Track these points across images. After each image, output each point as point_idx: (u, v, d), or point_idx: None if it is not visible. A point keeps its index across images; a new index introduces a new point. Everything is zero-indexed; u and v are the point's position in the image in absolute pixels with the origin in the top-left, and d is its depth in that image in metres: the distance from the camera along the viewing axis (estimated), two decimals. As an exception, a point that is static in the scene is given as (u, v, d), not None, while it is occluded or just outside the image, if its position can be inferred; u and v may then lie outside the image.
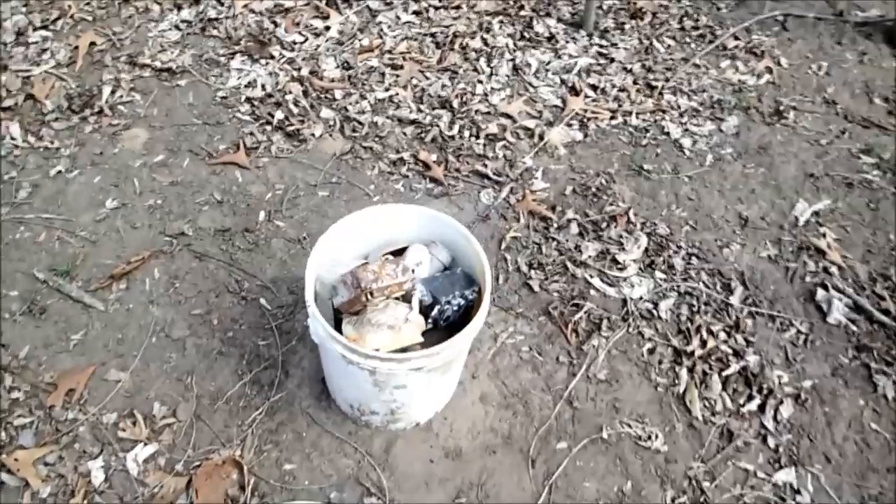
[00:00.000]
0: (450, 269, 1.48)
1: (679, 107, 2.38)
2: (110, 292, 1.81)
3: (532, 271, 1.91)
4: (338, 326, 1.41)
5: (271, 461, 1.55)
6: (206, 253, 1.89)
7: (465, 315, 1.43)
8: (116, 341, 1.72)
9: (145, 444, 1.55)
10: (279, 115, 2.24)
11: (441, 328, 1.42)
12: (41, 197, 1.99)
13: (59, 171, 2.06)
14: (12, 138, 2.13)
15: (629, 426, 1.66)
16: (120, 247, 1.90)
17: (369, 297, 1.28)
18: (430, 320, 1.36)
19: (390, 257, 1.44)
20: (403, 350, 1.30)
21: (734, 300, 1.88)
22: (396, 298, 1.36)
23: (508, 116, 2.32)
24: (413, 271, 1.45)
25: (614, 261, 1.95)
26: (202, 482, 1.51)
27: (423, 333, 1.36)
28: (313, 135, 2.21)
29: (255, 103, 2.28)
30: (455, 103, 2.30)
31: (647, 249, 1.98)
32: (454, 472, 1.56)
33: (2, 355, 1.67)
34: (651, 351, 1.79)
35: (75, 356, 1.69)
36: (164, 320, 1.76)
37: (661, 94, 2.41)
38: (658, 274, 1.92)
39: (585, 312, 1.84)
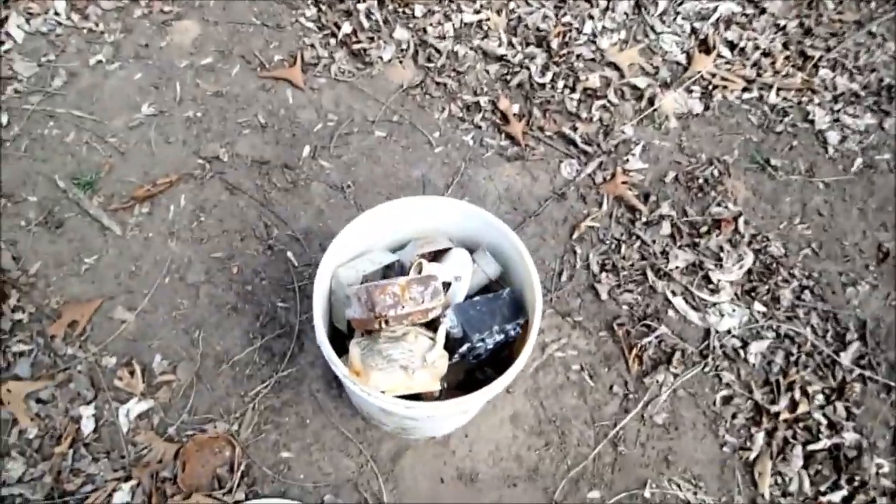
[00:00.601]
0: (493, 291, 1.20)
1: (835, 87, 1.89)
2: (131, 215, 1.64)
3: (603, 273, 1.61)
4: (351, 332, 1.18)
5: (268, 445, 1.40)
6: (239, 186, 1.68)
7: (502, 348, 1.17)
8: (129, 274, 1.56)
9: (140, 399, 1.43)
10: (346, 27, 1.91)
11: (470, 362, 1.17)
12: (76, 89, 1.79)
13: (100, 61, 1.84)
14: (56, 14, 1.92)
15: (678, 487, 1.40)
16: (150, 162, 1.70)
17: (384, 324, 1.04)
18: (456, 355, 1.11)
19: (424, 263, 1.17)
20: (416, 395, 1.07)
21: (845, 357, 1.52)
22: (419, 325, 1.11)
23: (616, 68, 1.91)
24: (446, 290, 1.18)
25: (706, 279, 1.61)
26: (192, 454, 1.38)
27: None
28: (381, 58, 1.88)
29: (323, 7, 1.96)
30: (554, 42, 1.91)
31: (750, 271, 1.62)
32: (465, 497, 1.37)
33: (12, 269, 1.55)
34: (726, 400, 1.49)
35: (84, 283, 1.55)
36: (182, 259, 1.59)
37: (815, 67, 1.92)
38: (757, 306, 1.58)
39: (657, 337, 1.54)
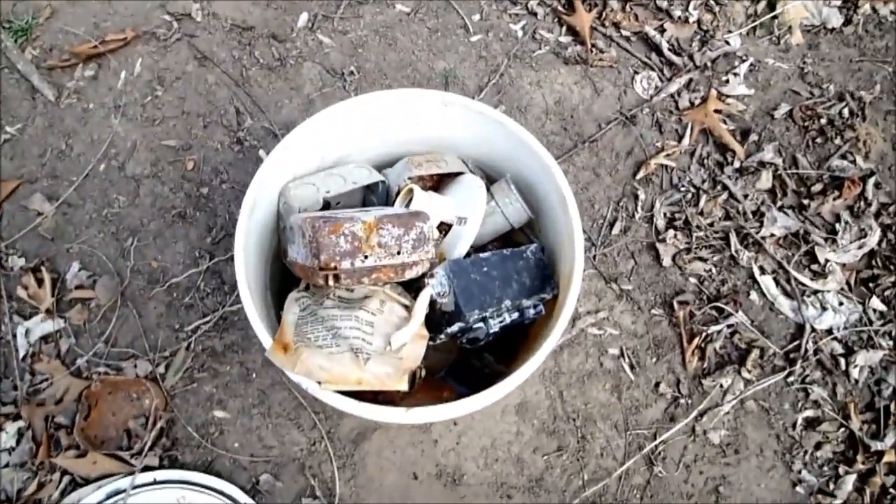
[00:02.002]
0: (514, 245, 0.80)
1: None
2: (70, 78, 1.27)
3: (670, 231, 1.19)
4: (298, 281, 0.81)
5: (199, 398, 1.08)
6: (212, 55, 1.29)
7: (512, 331, 0.79)
8: (56, 154, 1.21)
9: (46, 318, 1.11)
10: None
11: (462, 345, 0.79)
12: None
13: None
14: None
15: (727, 530, 1.05)
16: (102, 11, 1.32)
17: (333, 281, 0.67)
18: (441, 336, 0.74)
19: (417, 191, 0.78)
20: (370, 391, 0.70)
21: None
22: (390, 285, 0.73)
23: (731, -47, 1.41)
24: (443, 235, 0.80)
25: (810, 256, 1.18)
26: (101, 397, 1.07)
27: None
28: None
29: None
30: None
31: (873, 253, 1.19)
32: (441, 501, 1.05)
33: (-86, 127, 1.22)
34: (811, 424, 1.10)
35: (2, 158, 1.21)
36: (125, 143, 1.22)
37: None
38: (875, 302, 1.16)
39: (729, 327, 1.14)
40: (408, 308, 0.72)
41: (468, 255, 0.78)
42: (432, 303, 0.72)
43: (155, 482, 1.02)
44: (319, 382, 0.68)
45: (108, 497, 1.01)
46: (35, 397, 1.07)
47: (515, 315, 0.76)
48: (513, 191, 0.82)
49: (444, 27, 1.34)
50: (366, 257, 0.65)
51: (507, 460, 1.07)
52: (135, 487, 1.01)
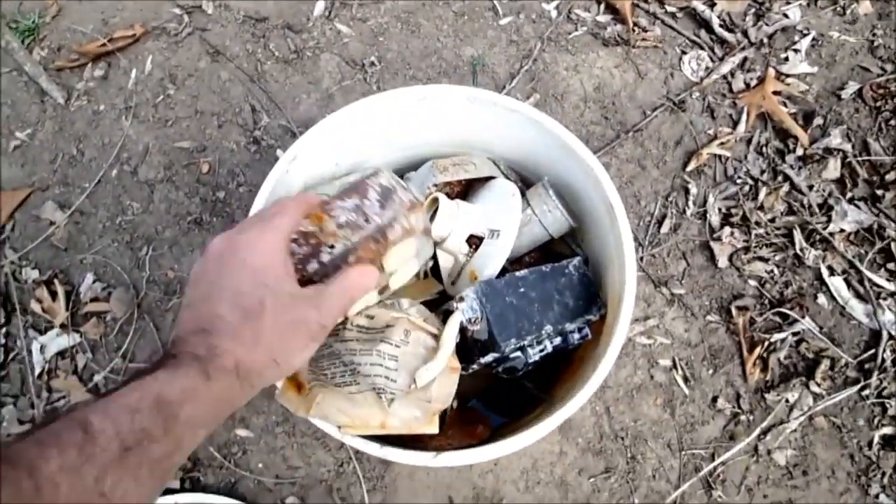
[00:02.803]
0: (553, 259, 0.71)
1: None
2: (79, 78, 1.21)
3: (727, 228, 1.08)
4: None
5: (220, 417, 1.02)
6: (225, 50, 1.21)
7: (555, 357, 0.70)
8: (67, 160, 1.16)
9: (61, 332, 1.06)
10: None
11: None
12: None
13: None
14: None
15: (795, 560, 0.95)
16: (110, 7, 1.25)
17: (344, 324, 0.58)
18: (475, 365, 0.65)
19: (442, 199, 0.69)
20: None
21: None
22: (411, 301, 0.64)
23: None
24: (474, 249, 0.71)
25: (887, 254, 1.06)
26: (119, 416, 1.02)
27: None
28: None
29: None
30: None
31: (959, 250, 1.06)
32: (479, 528, 0.97)
33: (-76, 136, 1.18)
34: (890, 442, 0.99)
35: (12, 164, 1.16)
36: (137, 146, 1.16)
37: None
38: (963, 305, 1.03)
39: (795, 335, 1.03)
40: (436, 337, 0.64)
41: (502, 272, 0.69)
42: (462, 330, 0.63)
43: (175, 507, 0.97)
44: (339, 427, 0.61)
45: (127, 524, 0.96)
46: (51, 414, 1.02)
47: (558, 341, 0.66)
48: (552, 197, 0.72)
49: (471, 10, 1.23)
50: (332, 247, 0.54)
51: (549, 483, 0.99)
52: (154, 514, 0.96)
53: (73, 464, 0.32)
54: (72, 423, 0.34)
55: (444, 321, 0.65)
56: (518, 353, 0.64)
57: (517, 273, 0.66)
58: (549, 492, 0.98)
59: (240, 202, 1.13)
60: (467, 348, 0.64)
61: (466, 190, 0.79)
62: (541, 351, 0.65)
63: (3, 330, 1.08)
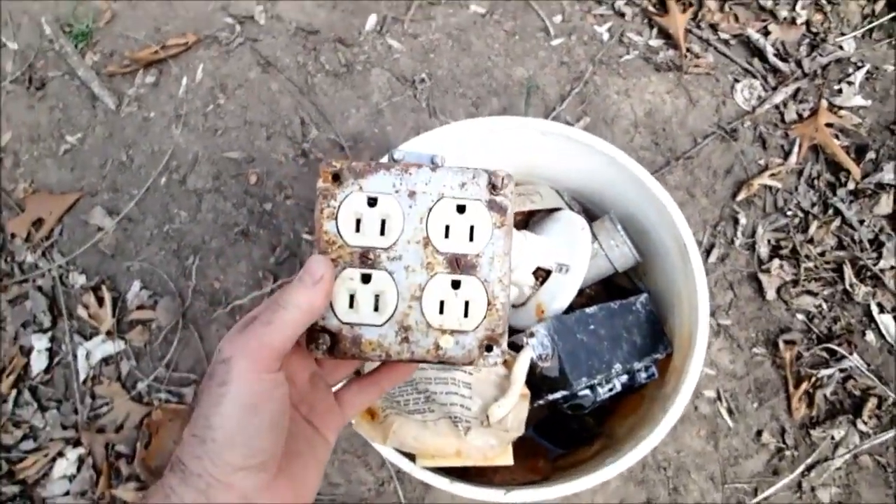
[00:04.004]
0: (618, 295, 0.70)
1: None
2: (130, 84, 1.22)
3: (776, 260, 1.07)
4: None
5: (262, 430, 1.02)
6: (276, 61, 1.21)
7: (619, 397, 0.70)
8: (117, 166, 1.17)
9: (106, 339, 1.07)
10: None
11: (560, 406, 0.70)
12: None
13: None
14: None
15: None
16: (163, 14, 1.26)
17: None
18: (541, 401, 0.65)
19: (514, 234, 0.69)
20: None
21: None
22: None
23: (845, -55, 1.26)
24: (540, 282, 0.71)
25: (938, 293, 1.05)
26: (163, 424, 1.02)
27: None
28: None
29: None
30: None
31: None
32: (519, 552, 0.97)
33: (-24, 136, 1.19)
34: (936, 486, 0.98)
35: (62, 168, 1.17)
36: (186, 154, 1.17)
37: None
38: None
39: (842, 371, 1.02)
40: (505, 362, 0.64)
41: (569, 308, 0.69)
42: (532, 366, 0.63)
43: (216, 520, 0.97)
44: (412, 458, 0.61)
45: (169, 534, 0.96)
46: (95, 422, 1.03)
47: (625, 379, 0.66)
48: (619, 231, 0.72)
49: (523, 30, 1.23)
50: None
51: (590, 511, 0.98)
52: (195, 525, 0.96)
53: None
54: None
55: (515, 349, 0.65)
56: (587, 392, 0.63)
57: (587, 310, 0.66)
58: (590, 520, 0.98)
59: (286, 215, 1.13)
60: (536, 384, 0.64)
61: (527, 220, 0.79)
62: (610, 390, 0.65)
63: (49, 334, 1.08)
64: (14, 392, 1.05)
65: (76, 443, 1.02)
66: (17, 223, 1.13)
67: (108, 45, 1.24)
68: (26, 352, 1.07)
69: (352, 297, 0.37)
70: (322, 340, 0.37)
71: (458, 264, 0.37)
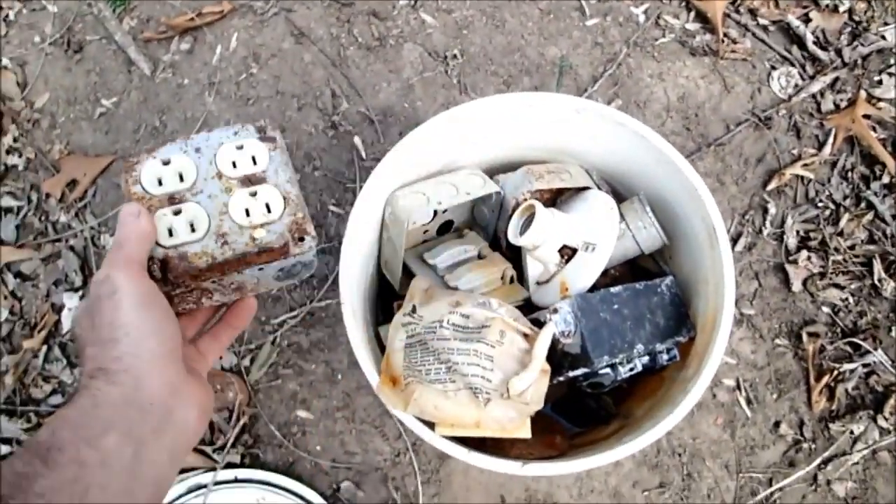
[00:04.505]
0: (642, 275, 0.70)
1: None
2: (166, 51, 1.23)
3: (804, 251, 1.06)
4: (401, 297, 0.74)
5: (283, 396, 1.05)
6: (309, 32, 1.22)
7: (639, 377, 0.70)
8: (150, 130, 1.18)
9: (136, 300, 1.09)
10: None
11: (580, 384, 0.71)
12: None
13: None
14: None
15: None
16: (200, -18, 1.27)
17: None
18: (561, 377, 0.65)
19: (538, 207, 0.69)
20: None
21: None
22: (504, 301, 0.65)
23: (894, -68, 1.22)
24: (566, 260, 0.71)
25: (970, 292, 1.03)
26: (186, 386, 1.05)
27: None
28: None
29: None
30: None
31: None
32: (530, 529, 0.98)
33: (16, 98, 1.21)
34: (956, 485, 0.97)
35: (97, 131, 1.19)
36: (219, 121, 1.18)
37: None
38: None
39: (865, 366, 1.01)
40: (527, 337, 0.64)
41: (594, 287, 0.69)
42: (554, 342, 0.64)
43: (236, 480, 0.99)
44: (432, 426, 0.62)
45: (190, 491, 0.99)
46: (122, 382, 1.06)
47: (646, 360, 0.66)
48: (647, 213, 0.72)
49: (558, 9, 1.22)
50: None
51: (603, 492, 0.99)
52: (216, 484, 0.99)
53: None
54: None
55: (538, 324, 0.65)
56: (608, 370, 0.64)
57: (611, 289, 0.66)
58: (602, 500, 0.99)
59: (314, 186, 1.14)
60: (557, 360, 0.65)
61: (556, 198, 0.79)
62: (631, 370, 0.65)
63: (80, 293, 1.11)
64: (45, 348, 1.08)
65: (103, 399, 1.05)
66: (52, 183, 1.15)
67: (146, 11, 1.25)
68: (58, 309, 1.10)
69: (170, 230, 0.45)
70: (154, 267, 0.44)
71: (251, 181, 0.47)
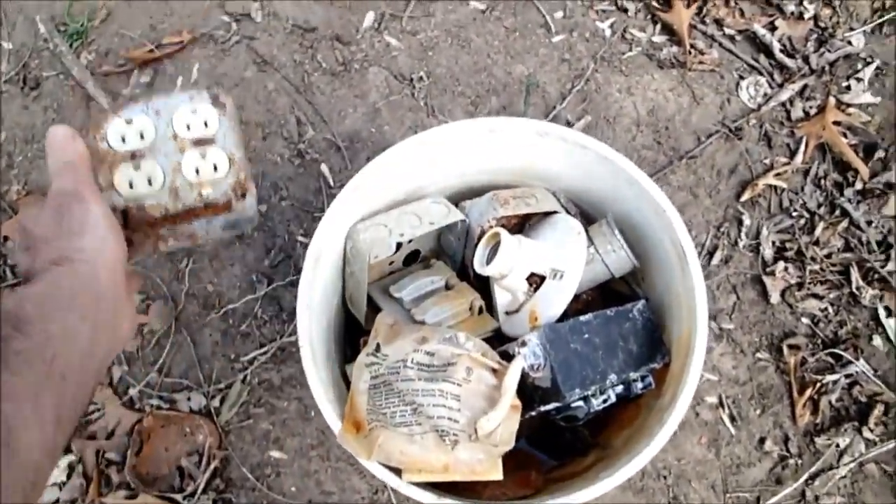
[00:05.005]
0: (615, 300, 0.68)
1: None
2: (125, 84, 1.20)
3: (780, 262, 1.05)
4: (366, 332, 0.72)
5: (255, 436, 1.01)
6: (272, 60, 1.19)
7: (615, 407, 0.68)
8: (111, 165, 1.15)
9: (100, 342, 1.06)
10: None
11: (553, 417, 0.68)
12: None
13: None
14: None
15: None
16: (159, 12, 1.24)
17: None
18: (533, 412, 0.63)
19: (504, 235, 0.67)
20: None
21: None
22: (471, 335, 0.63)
23: (854, -62, 1.22)
24: (534, 289, 0.69)
25: (949, 297, 1.02)
26: (154, 431, 1.01)
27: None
28: None
29: None
30: None
31: None
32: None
33: (-30, 136, 1.18)
34: (946, 495, 0.96)
35: (56, 169, 1.15)
36: (181, 154, 1.15)
37: None
38: None
39: (848, 377, 1.00)
40: (496, 372, 0.62)
41: (565, 314, 0.67)
42: (523, 376, 0.61)
43: (209, 526, 0.96)
44: (398, 473, 0.59)
45: (161, 540, 0.95)
46: (86, 429, 1.02)
47: (620, 389, 0.64)
48: (616, 236, 0.70)
49: (523, 26, 1.21)
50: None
51: (589, 520, 0.96)
52: (188, 531, 0.95)
53: None
54: None
55: (507, 357, 0.63)
56: (581, 403, 0.62)
57: (581, 318, 0.64)
58: (588, 528, 0.96)
59: (282, 216, 1.12)
60: (528, 394, 0.63)
61: (524, 223, 0.77)
62: (604, 401, 0.63)
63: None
64: (7, 395, 1.04)
65: (67, 450, 1.01)
66: (10, 225, 1.12)
67: (104, 44, 1.23)
68: (19, 355, 1.06)
69: (130, 183, 0.49)
70: (116, 214, 0.48)
71: (202, 142, 0.51)
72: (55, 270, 0.41)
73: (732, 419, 1.00)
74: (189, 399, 1.02)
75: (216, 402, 1.02)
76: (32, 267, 0.42)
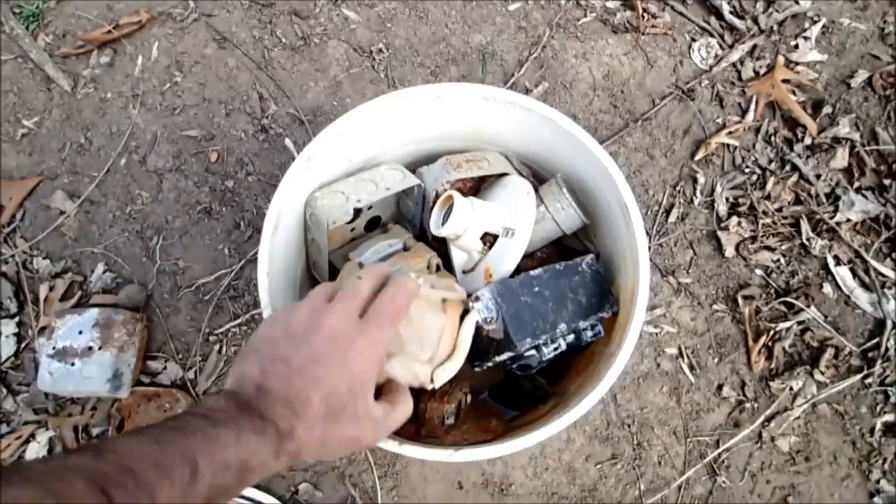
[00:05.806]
0: (565, 255, 0.71)
1: None
2: (85, 65, 1.20)
3: (734, 217, 1.09)
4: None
5: (233, 405, 1.04)
6: (232, 36, 1.20)
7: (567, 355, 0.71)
8: (76, 148, 1.16)
9: (74, 322, 1.07)
10: None
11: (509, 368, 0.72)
12: None
13: None
14: None
15: (796, 544, 0.98)
16: (115, -8, 1.24)
17: None
18: (488, 363, 0.66)
19: (457, 197, 0.70)
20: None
21: None
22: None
23: None
24: (489, 247, 0.72)
25: (892, 243, 1.07)
26: (133, 408, 1.03)
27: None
28: None
29: None
30: None
31: (965, 240, 1.07)
32: (488, 512, 0.99)
33: (-69, 124, 1.17)
34: (892, 429, 1.01)
35: (20, 153, 1.16)
36: (145, 134, 1.16)
37: None
38: (967, 295, 1.04)
39: (800, 324, 1.05)
40: (445, 301, 0.62)
41: (516, 271, 0.70)
42: (478, 329, 0.64)
43: (190, 494, 0.99)
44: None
45: None
46: (63, 410, 1.04)
47: (571, 338, 0.68)
48: (565, 194, 0.73)
49: (480, -4, 1.22)
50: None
51: (557, 469, 1.01)
52: (170, 500, 0.98)
53: (176, 499, 0.37)
54: (184, 460, 0.38)
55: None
56: (533, 352, 0.65)
57: (531, 272, 0.67)
58: (556, 477, 1.00)
59: (248, 191, 1.13)
60: (482, 347, 0.66)
61: (478, 186, 0.80)
62: (555, 349, 0.66)
63: (17, 319, 1.09)
64: (-17, 378, 1.06)
65: (47, 425, 1.03)
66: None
67: (61, 26, 1.22)
68: (-7, 338, 1.08)
69: None
70: None
71: None
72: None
73: (692, 368, 1.04)
74: (165, 369, 1.05)
75: (191, 374, 1.05)
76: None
